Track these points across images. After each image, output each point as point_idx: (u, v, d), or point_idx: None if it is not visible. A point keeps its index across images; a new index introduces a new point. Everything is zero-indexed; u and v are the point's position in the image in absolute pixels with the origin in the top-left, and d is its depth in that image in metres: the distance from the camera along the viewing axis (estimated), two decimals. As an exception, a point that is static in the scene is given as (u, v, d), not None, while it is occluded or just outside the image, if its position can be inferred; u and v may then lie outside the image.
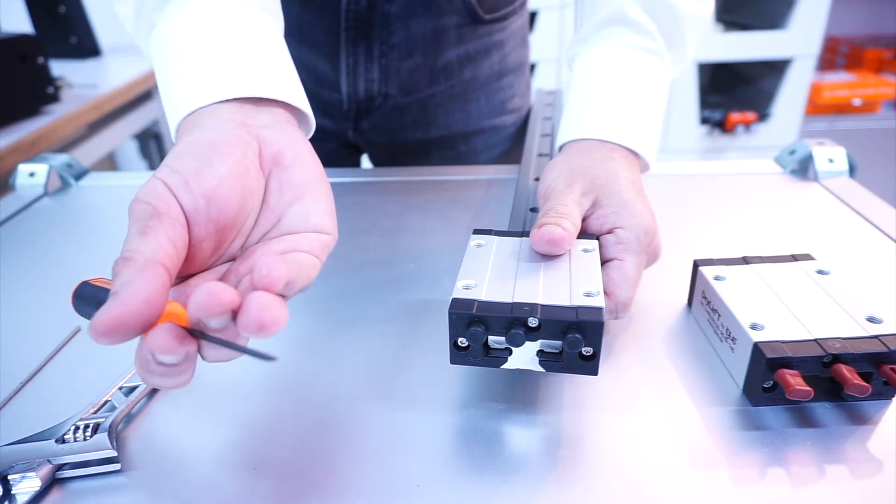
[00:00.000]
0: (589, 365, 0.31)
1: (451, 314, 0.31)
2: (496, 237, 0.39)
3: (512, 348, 0.32)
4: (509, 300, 0.32)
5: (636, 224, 0.39)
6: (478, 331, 0.31)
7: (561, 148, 0.49)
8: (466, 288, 0.33)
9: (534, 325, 0.31)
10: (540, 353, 0.32)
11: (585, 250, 0.37)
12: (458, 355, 0.33)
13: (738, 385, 0.35)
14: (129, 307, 0.23)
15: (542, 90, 0.80)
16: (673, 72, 0.53)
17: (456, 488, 0.30)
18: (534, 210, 0.46)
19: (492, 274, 0.35)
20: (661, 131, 0.50)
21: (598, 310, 0.31)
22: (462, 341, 0.32)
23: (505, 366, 0.33)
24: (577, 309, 0.31)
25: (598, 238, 0.39)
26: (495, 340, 0.32)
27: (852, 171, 0.62)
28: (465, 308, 0.31)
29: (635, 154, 0.46)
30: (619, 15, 0.50)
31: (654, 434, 0.33)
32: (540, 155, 0.58)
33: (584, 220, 0.40)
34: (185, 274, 0.29)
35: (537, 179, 0.52)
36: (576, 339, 0.30)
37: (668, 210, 0.55)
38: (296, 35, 0.66)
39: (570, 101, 0.50)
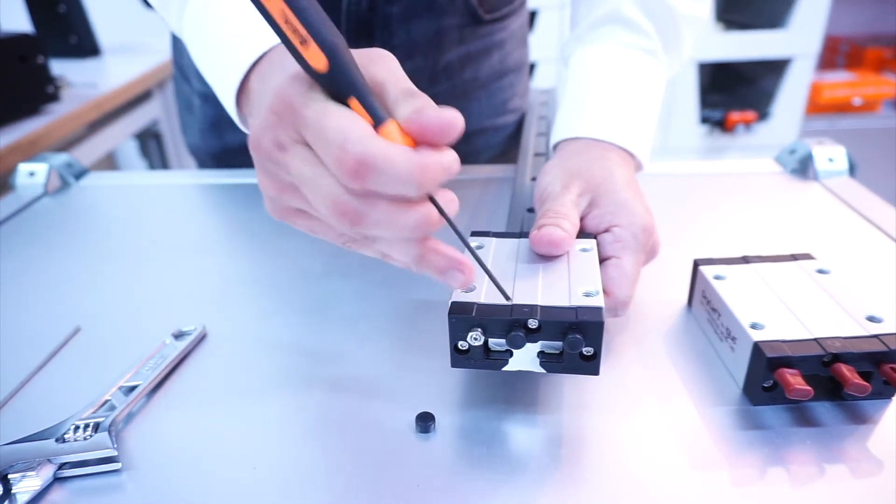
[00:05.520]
0: (590, 365, 0.31)
1: (450, 318, 0.31)
2: (494, 239, 0.39)
3: (513, 350, 0.32)
4: (509, 302, 0.32)
5: (633, 222, 0.39)
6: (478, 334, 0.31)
7: (556, 146, 0.48)
8: (465, 291, 0.33)
9: (534, 327, 0.31)
10: (541, 354, 0.32)
11: (583, 250, 0.37)
12: (459, 359, 0.32)
13: (738, 385, 0.35)
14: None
15: (537, 89, 0.80)
16: (669, 71, 0.53)
17: (456, 489, 0.30)
18: (531, 211, 0.46)
19: None
20: (661, 131, 0.50)
21: (598, 310, 0.31)
22: (462, 345, 0.32)
23: (506, 368, 0.33)
24: (576, 309, 0.31)
25: (595, 237, 0.39)
26: (496, 342, 0.32)
27: (852, 170, 0.62)
28: (464, 312, 0.31)
29: (630, 154, 0.46)
30: (616, 14, 0.50)
31: (655, 434, 0.33)
32: (536, 154, 0.58)
33: (581, 220, 0.40)
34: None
35: (534, 179, 0.52)
36: (576, 340, 0.30)
37: (668, 210, 0.55)
38: None
39: (564, 99, 0.50)
